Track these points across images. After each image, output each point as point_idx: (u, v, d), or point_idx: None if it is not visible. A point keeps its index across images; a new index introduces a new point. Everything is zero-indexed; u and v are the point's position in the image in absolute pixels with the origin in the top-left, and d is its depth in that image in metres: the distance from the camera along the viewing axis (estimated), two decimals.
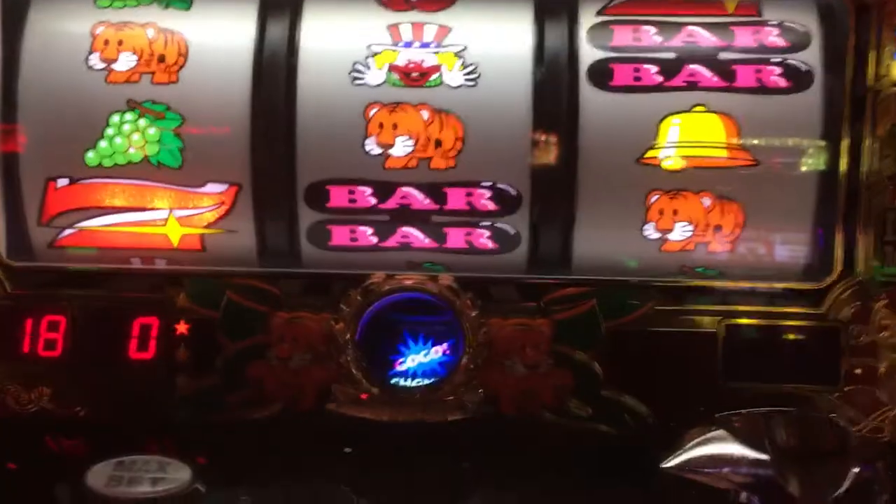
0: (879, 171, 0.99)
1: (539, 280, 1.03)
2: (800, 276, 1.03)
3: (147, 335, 1.01)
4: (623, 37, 1.04)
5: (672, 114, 1.02)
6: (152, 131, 1.04)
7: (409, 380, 1.01)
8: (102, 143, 1.03)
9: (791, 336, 1.01)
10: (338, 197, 1.04)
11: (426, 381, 1.00)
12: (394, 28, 1.05)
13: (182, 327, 1.02)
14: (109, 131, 1.03)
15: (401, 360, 1.02)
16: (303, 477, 0.96)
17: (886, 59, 0.98)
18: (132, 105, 1.03)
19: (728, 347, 1.01)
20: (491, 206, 1.04)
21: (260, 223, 1.04)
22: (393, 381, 1.00)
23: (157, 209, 1.05)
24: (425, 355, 1.02)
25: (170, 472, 0.91)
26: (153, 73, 1.03)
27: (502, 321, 1.01)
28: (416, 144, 1.03)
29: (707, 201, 1.03)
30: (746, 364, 1.01)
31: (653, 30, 1.04)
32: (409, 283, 1.00)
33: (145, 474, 0.90)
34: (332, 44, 1.04)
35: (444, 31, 1.05)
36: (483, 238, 1.05)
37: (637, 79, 1.03)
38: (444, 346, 1.02)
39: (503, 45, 1.04)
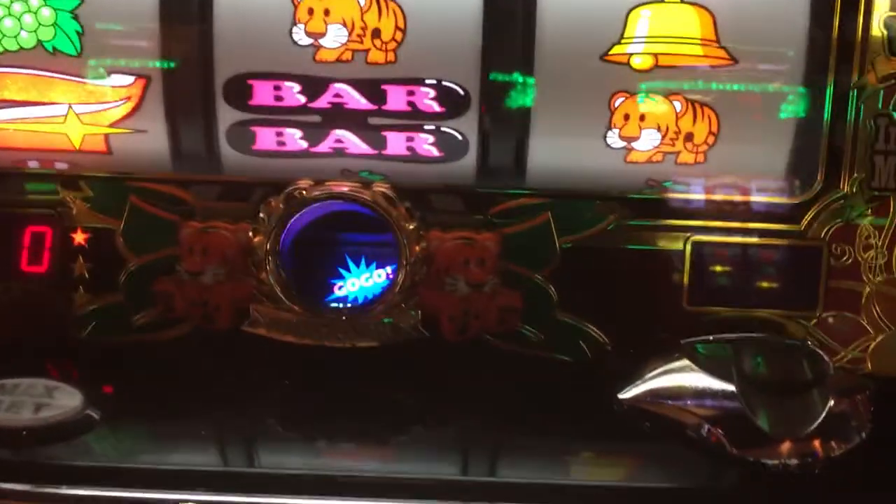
0: (872, 70, 0.88)
1: (486, 190, 0.92)
2: (777, 189, 0.93)
3: (40, 245, 0.90)
4: None
5: (641, 4, 0.90)
6: (46, 13, 0.90)
7: (343, 302, 0.91)
8: None
9: (765, 255, 0.91)
10: (262, 94, 0.92)
11: (358, 302, 0.90)
12: None
13: (80, 237, 0.91)
14: None
15: (339, 284, 0.91)
16: (214, 406, 0.86)
17: None
18: None
19: (695, 267, 0.91)
20: (435, 107, 0.92)
21: (172, 122, 0.92)
22: (326, 301, 0.90)
23: (55, 104, 0.92)
24: (361, 275, 0.92)
25: (58, 397, 0.81)
26: None
27: (443, 234, 0.90)
28: (350, 34, 0.91)
29: (678, 105, 0.92)
30: (715, 286, 0.91)
31: None
32: (338, 190, 0.89)
33: (29, 399, 0.80)
34: None
35: None
36: (427, 144, 0.93)
37: None
38: (388, 269, 0.91)
39: None
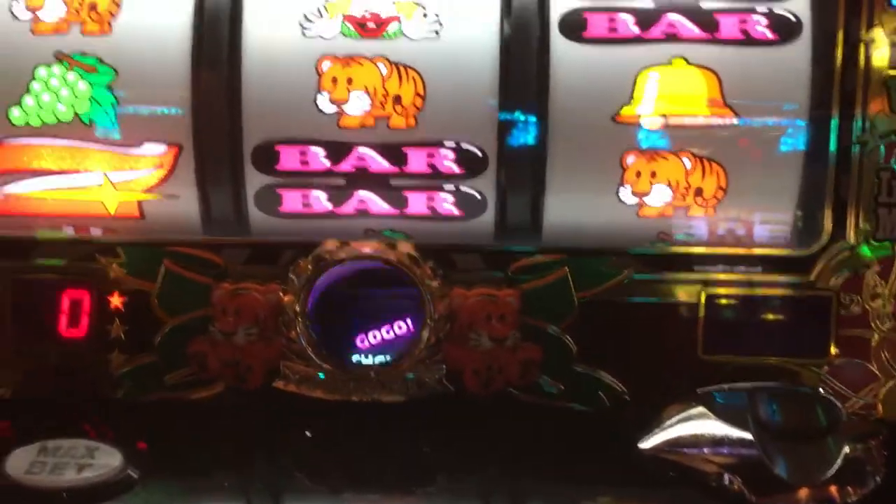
0: (872, 128, 0.92)
1: (506, 248, 0.95)
2: (786, 241, 0.96)
3: (78, 310, 0.93)
4: None
5: (650, 67, 0.95)
6: (82, 87, 0.95)
7: (370, 357, 0.93)
8: (29, 101, 0.94)
9: (776, 306, 0.94)
10: (288, 159, 0.95)
11: (385, 358, 0.93)
12: None
13: (116, 300, 0.94)
14: (36, 87, 0.94)
15: (361, 336, 0.94)
16: (248, 462, 0.88)
17: (881, 7, 0.91)
18: (60, 58, 0.94)
19: (709, 318, 0.94)
20: (455, 168, 0.96)
21: (203, 188, 0.96)
22: (354, 358, 0.92)
23: (91, 172, 0.96)
24: (387, 332, 0.94)
25: (98, 457, 0.83)
26: (83, 22, 0.94)
27: (466, 292, 0.93)
28: (373, 101, 0.95)
29: (687, 162, 0.96)
30: (729, 336, 0.94)
31: None
32: (364, 251, 0.92)
33: (71, 460, 0.82)
34: None
35: None
36: (447, 203, 0.96)
37: (612, 30, 0.95)
38: (408, 321, 0.94)
39: None
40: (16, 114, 0.95)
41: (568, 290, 0.93)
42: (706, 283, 0.94)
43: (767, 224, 0.96)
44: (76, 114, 0.95)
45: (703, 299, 0.94)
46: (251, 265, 0.94)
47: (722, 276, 0.94)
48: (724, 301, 0.94)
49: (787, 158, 0.95)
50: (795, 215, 0.96)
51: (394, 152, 0.95)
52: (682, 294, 0.94)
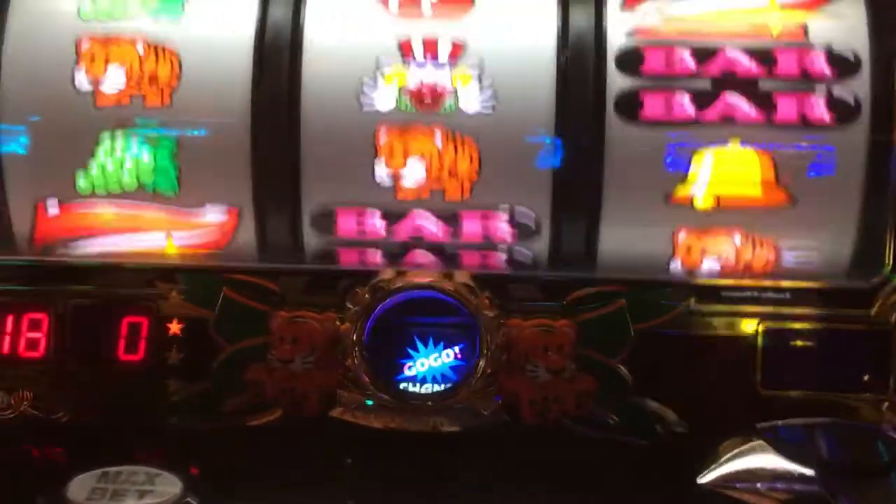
0: None
1: (563, 277, 0.95)
2: (846, 275, 0.95)
3: (136, 335, 0.94)
4: (655, 62, 0.95)
5: (705, 147, 0.94)
6: (146, 158, 0.96)
7: (418, 385, 0.93)
8: (94, 169, 0.96)
9: (836, 340, 0.93)
10: (346, 223, 0.96)
11: (437, 387, 0.92)
12: (405, 44, 0.96)
13: (174, 327, 0.94)
14: (101, 155, 0.96)
15: (409, 363, 0.93)
16: (304, 490, 0.88)
17: None
18: (123, 127, 0.95)
19: (768, 352, 0.93)
20: (508, 234, 0.96)
21: (262, 248, 0.97)
22: (401, 386, 0.92)
23: (154, 231, 0.97)
24: (436, 359, 0.94)
25: (158, 484, 0.83)
26: (144, 95, 0.95)
27: (522, 322, 0.93)
28: (428, 174, 0.95)
29: (738, 239, 0.95)
30: (788, 370, 0.93)
31: (687, 53, 0.95)
32: (421, 280, 0.93)
33: (132, 487, 0.82)
34: (336, 64, 0.96)
35: (459, 47, 0.96)
36: (500, 261, 0.97)
37: (668, 110, 0.94)
38: (457, 349, 0.94)
39: (523, 63, 0.96)
40: (82, 184, 0.96)
41: (625, 322, 0.93)
42: (765, 317, 0.94)
43: (827, 260, 0.95)
44: (140, 183, 0.96)
45: (761, 333, 0.93)
46: (307, 293, 0.95)
47: (781, 310, 0.94)
48: (783, 335, 0.93)
49: (840, 214, 0.94)
50: (854, 251, 0.95)
51: (449, 220, 0.96)
52: (741, 327, 0.94)
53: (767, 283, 0.94)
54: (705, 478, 0.88)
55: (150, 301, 0.94)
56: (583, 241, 0.96)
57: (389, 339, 0.93)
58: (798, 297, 0.94)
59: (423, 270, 0.94)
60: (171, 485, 0.83)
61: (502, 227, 0.96)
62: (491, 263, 0.98)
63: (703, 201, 0.95)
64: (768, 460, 0.88)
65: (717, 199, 0.95)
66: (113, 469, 0.84)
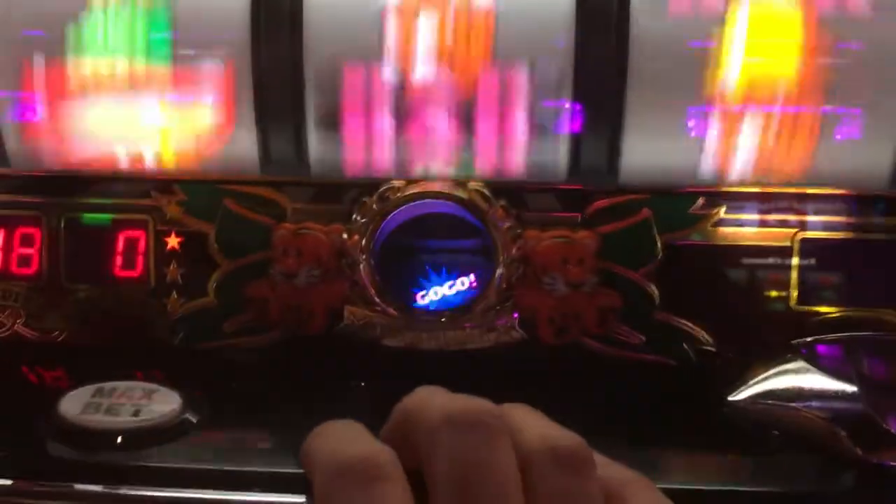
0: None
1: (584, 187, 0.89)
2: (886, 183, 0.88)
3: (133, 250, 0.89)
4: None
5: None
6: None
7: (439, 301, 0.87)
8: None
9: (876, 251, 0.86)
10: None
11: (455, 302, 0.87)
12: None
13: (173, 241, 0.90)
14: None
15: (422, 293, 0.88)
16: (309, 409, 0.83)
17: None
18: None
19: (804, 264, 0.87)
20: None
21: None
22: (421, 302, 0.87)
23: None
24: (457, 275, 0.89)
25: (156, 399, 0.78)
26: None
27: (540, 233, 0.87)
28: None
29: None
30: (825, 284, 0.87)
31: None
32: (433, 189, 0.87)
33: (128, 402, 0.78)
34: None
35: None
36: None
37: None
38: (479, 263, 0.88)
39: None
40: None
41: (650, 233, 0.87)
42: (800, 226, 0.87)
43: (867, 164, 0.89)
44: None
45: (797, 245, 0.88)
46: (314, 204, 0.90)
47: (818, 219, 0.87)
48: (819, 246, 0.87)
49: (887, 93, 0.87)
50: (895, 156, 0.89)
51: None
52: (774, 237, 0.88)
53: (803, 189, 0.88)
54: (738, 395, 0.82)
55: (148, 213, 0.90)
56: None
57: (400, 258, 0.88)
58: (836, 205, 0.87)
59: (435, 179, 0.89)
60: (169, 401, 0.78)
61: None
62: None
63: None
64: (805, 378, 0.82)
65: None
66: (108, 384, 0.80)
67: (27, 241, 0.90)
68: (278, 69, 0.88)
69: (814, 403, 0.80)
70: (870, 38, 0.86)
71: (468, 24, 0.88)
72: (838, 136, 0.88)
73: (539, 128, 0.89)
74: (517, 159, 0.90)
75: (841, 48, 0.86)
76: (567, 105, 0.88)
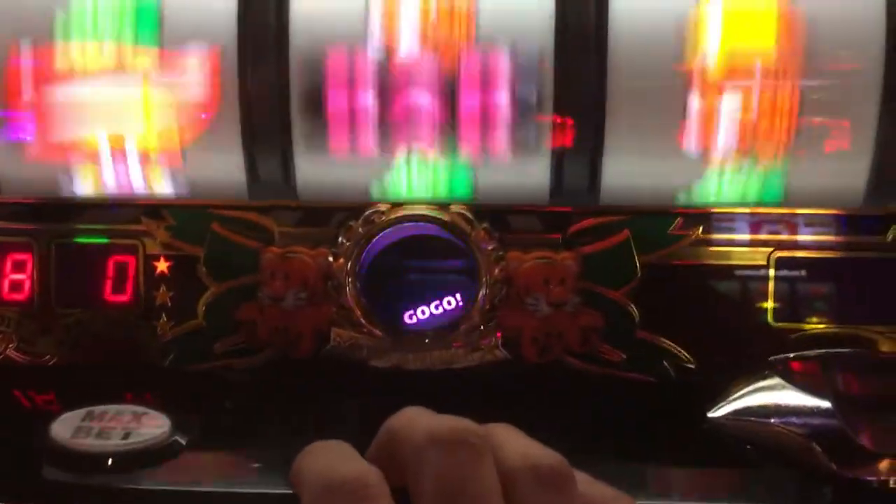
0: None
1: (564, 209, 0.91)
2: (861, 200, 0.90)
3: (124, 275, 0.91)
4: None
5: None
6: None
7: (424, 322, 0.89)
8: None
9: (852, 269, 0.89)
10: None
11: (439, 324, 0.89)
12: None
13: (162, 265, 0.91)
14: None
15: (414, 300, 0.90)
16: (298, 429, 0.85)
17: None
18: None
19: (780, 283, 0.89)
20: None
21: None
22: (406, 323, 0.89)
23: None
24: (441, 296, 0.91)
25: (146, 423, 0.80)
26: None
27: (522, 255, 0.89)
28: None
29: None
30: (802, 302, 0.89)
31: None
32: (417, 212, 0.89)
33: (118, 425, 0.80)
34: None
35: None
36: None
37: None
38: (457, 297, 0.90)
39: None
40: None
41: (630, 253, 0.89)
42: (777, 246, 0.89)
43: (842, 183, 0.91)
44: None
45: (773, 263, 0.90)
46: (300, 227, 0.91)
47: (793, 238, 0.89)
48: (795, 265, 0.89)
49: (860, 117, 0.89)
50: (870, 174, 0.89)
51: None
52: (751, 256, 0.90)
53: (779, 209, 0.90)
54: (717, 412, 0.84)
55: (137, 238, 0.91)
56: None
57: (385, 279, 0.89)
58: (811, 224, 0.90)
59: (419, 203, 0.90)
60: (158, 423, 0.80)
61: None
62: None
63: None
64: (783, 395, 0.84)
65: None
66: (99, 408, 0.81)
67: (19, 267, 0.91)
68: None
69: (791, 419, 0.82)
70: None
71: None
72: (815, 153, 0.89)
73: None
74: (501, 137, 0.89)
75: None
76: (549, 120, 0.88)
